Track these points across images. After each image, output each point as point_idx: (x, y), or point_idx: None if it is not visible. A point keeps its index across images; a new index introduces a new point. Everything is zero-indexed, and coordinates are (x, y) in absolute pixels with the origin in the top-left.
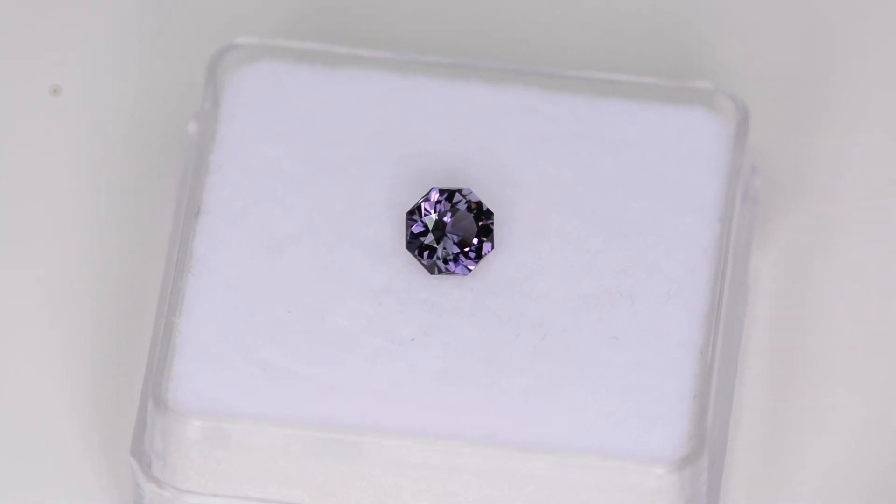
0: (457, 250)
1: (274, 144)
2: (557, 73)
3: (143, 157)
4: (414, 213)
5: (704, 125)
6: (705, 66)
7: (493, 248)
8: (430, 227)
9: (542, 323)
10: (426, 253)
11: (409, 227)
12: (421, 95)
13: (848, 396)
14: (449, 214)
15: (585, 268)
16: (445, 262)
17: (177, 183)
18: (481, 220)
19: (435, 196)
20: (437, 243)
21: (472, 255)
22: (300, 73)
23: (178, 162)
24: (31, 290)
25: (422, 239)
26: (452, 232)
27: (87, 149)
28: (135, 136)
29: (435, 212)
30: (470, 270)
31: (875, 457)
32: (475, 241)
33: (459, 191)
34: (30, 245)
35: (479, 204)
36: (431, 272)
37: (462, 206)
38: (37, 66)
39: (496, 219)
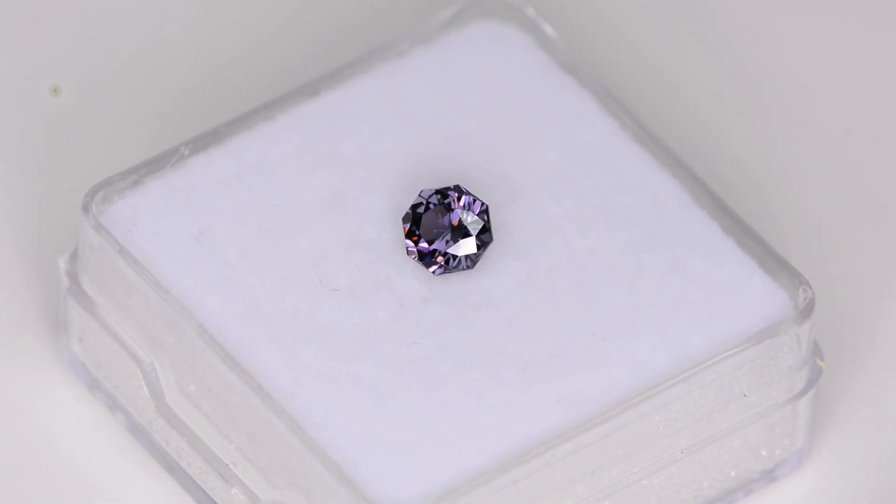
0: (437, 247)
1: (431, 89)
2: (709, 189)
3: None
4: (427, 193)
5: (767, 298)
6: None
7: (471, 268)
8: (423, 213)
9: (445, 348)
10: (412, 234)
11: (414, 202)
12: (587, 130)
13: None
14: (452, 214)
15: (531, 334)
16: (420, 250)
17: None
18: (477, 238)
19: (455, 191)
20: (424, 231)
21: (447, 261)
22: (521, 51)
23: None
24: None
25: (414, 220)
26: (445, 229)
27: (86, 149)
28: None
29: (442, 205)
30: (439, 272)
31: None
32: (455, 249)
33: (478, 201)
34: (31, 245)
35: (486, 225)
36: (407, 252)
37: (468, 216)
38: (37, 66)
39: (516, 252)
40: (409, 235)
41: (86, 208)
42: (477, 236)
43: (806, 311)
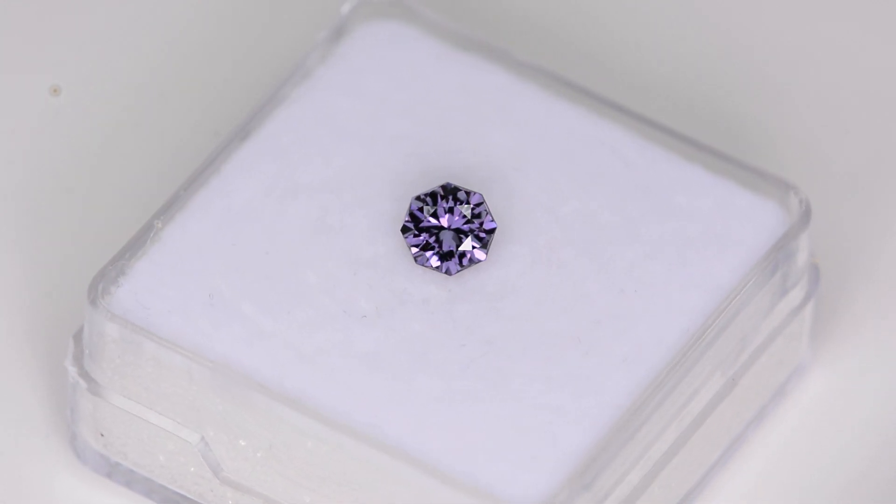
0: (446, 248)
1: (354, 99)
2: (657, 124)
3: (147, 156)
4: (420, 200)
5: (764, 216)
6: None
7: (483, 259)
8: (426, 219)
9: (492, 342)
10: (416, 241)
11: (409, 211)
12: (519, 101)
13: None
14: (452, 213)
15: (565, 307)
16: (431, 256)
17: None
18: (477, 230)
19: (449, 190)
20: (430, 236)
21: (458, 258)
22: (420, 43)
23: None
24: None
25: (416, 226)
26: (448, 230)
27: (86, 149)
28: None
29: (440, 206)
30: (453, 272)
31: None
32: (467, 246)
33: (472, 194)
34: (30, 246)
35: (486, 214)
36: (416, 261)
37: (468, 211)
38: (37, 66)
39: (512, 235)
40: (414, 245)
41: (95, 303)
42: (481, 227)
43: (805, 216)
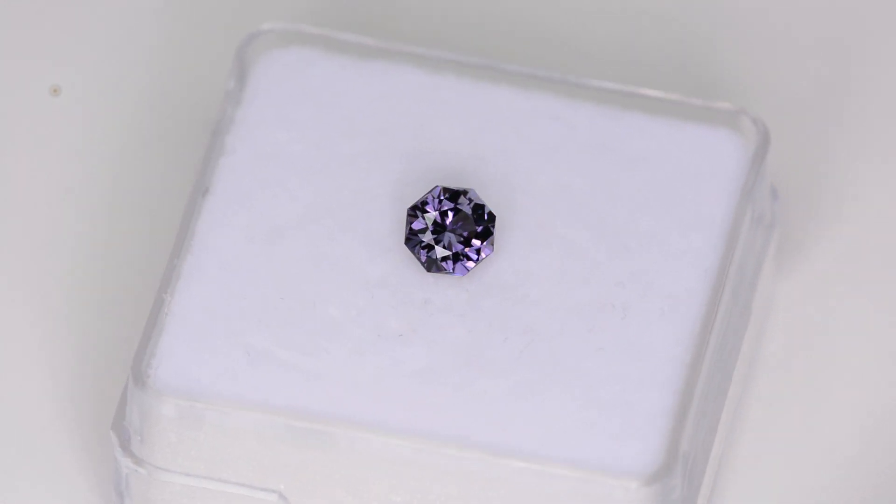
0: (455, 250)
1: (290, 130)
2: (583, 83)
3: (144, 156)
4: (416, 209)
5: (723, 145)
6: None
7: (492, 251)
8: (430, 225)
9: (531, 328)
10: (424, 250)
11: (409, 223)
12: (444, 94)
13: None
14: (450, 214)
15: (583, 278)
16: (443, 260)
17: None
18: (482, 223)
19: (438, 194)
20: (436, 242)
21: (470, 256)
22: (327, 62)
23: (180, 163)
24: (33, 288)
25: (420, 236)
26: (452, 232)
27: (87, 149)
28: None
29: (436, 210)
30: (467, 271)
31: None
32: (475, 242)
33: (464, 191)
34: (29, 245)
35: (482, 206)
36: (428, 270)
37: (464, 208)
38: (37, 66)
39: (501, 222)
40: (422, 254)
41: (144, 388)
42: (483, 222)
43: (766, 135)
